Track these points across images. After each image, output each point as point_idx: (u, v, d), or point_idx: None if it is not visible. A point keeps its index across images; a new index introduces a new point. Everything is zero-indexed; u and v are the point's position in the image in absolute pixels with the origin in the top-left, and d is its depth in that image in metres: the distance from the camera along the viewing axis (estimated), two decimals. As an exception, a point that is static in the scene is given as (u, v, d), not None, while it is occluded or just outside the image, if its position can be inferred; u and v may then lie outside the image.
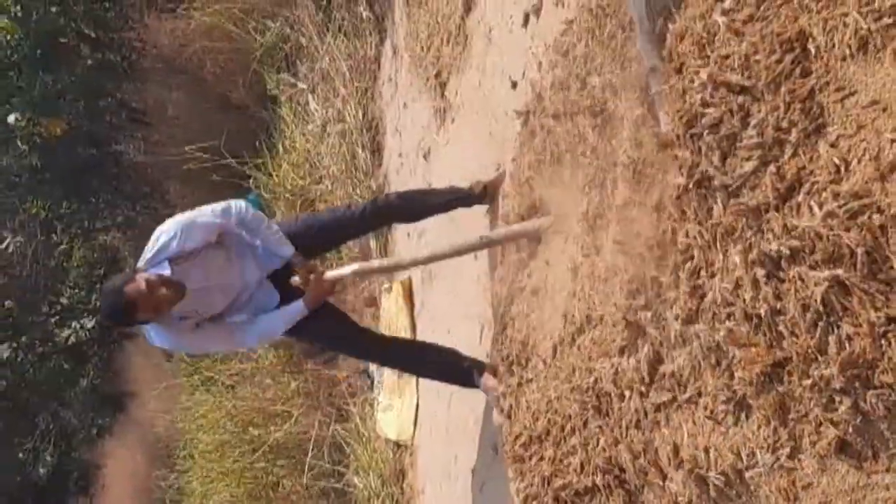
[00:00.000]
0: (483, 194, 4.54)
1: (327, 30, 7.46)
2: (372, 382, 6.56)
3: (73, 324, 14.12)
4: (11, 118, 10.44)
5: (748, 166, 2.26)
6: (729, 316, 2.38)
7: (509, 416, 3.93)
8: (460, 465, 4.94)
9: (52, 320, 14.24)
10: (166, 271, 3.84)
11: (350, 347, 4.67)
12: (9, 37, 10.16)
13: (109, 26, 10.53)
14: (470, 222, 4.75)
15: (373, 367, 6.53)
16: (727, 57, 2.41)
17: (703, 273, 2.50)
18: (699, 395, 2.57)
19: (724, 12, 2.47)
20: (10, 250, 13.26)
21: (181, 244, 3.88)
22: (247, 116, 9.25)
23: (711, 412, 2.49)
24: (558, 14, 3.92)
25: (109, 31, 10.52)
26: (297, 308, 4.10)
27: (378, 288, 6.60)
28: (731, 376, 2.41)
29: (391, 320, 6.19)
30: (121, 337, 14.29)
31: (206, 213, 3.99)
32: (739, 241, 2.32)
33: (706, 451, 2.50)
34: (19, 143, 10.70)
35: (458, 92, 5.26)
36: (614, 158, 3.10)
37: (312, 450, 6.89)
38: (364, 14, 6.99)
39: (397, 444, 6.05)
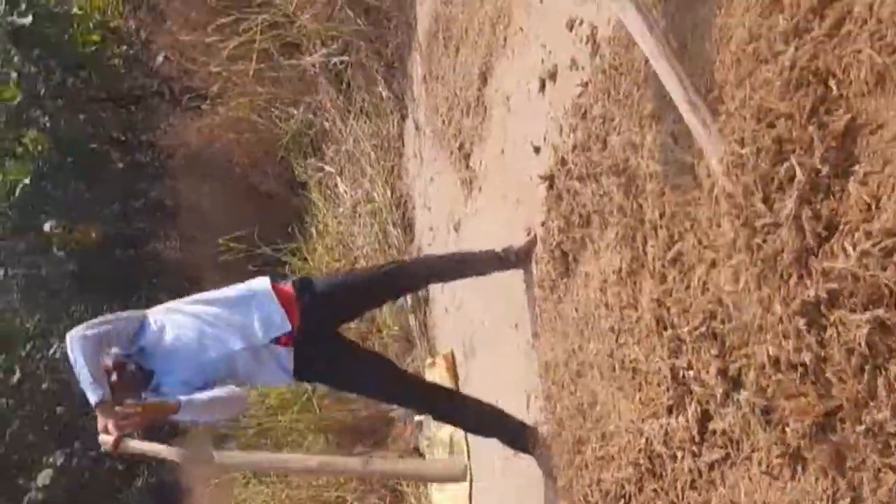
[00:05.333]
0: (516, 260, 4.51)
1: (349, 112, 7.54)
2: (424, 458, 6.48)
3: (125, 425, 14.08)
4: (47, 226, 10.58)
5: (788, 208, 2.20)
6: (775, 368, 2.32)
7: (564, 490, 3.86)
8: (518, 540, 4.84)
9: (104, 423, 14.21)
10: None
11: (393, 395, 4.62)
12: (39, 148, 10.35)
13: (137, 128, 10.71)
14: (510, 291, 4.72)
15: (423, 445, 6.45)
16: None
17: (742, 320, 2.45)
18: (753, 450, 2.49)
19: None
20: (58, 356, 13.35)
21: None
22: (278, 203, 9.32)
23: (767, 467, 2.42)
24: (573, 77, 3.93)
25: (138, 133, 10.70)
26: None
27: (421, 363, 6.55)
28: (784, 429, 2.34)
29: (437, 396, 6.12)
30: (170, 435, 14.29)
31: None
32: (781, 289, 2.26)
33: (766, 508, 2.43)
34: (55, 251, 10.83)
35: (483, 161, 5.26)
36: (641, 215, 3.06)
37: (370, 536, 6.80)
38: (383, 94, 7.06)
39: (455, 523, 5.95)
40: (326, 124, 8.11)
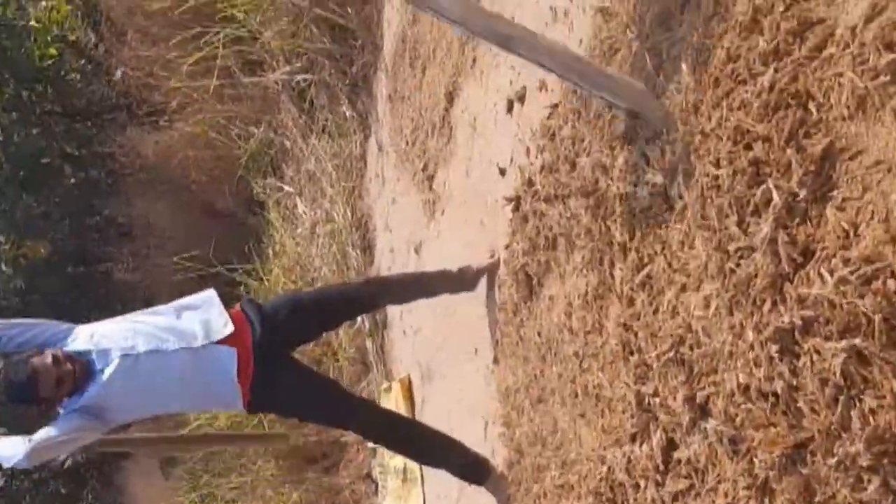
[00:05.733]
0: (471, 281, 4.44)
1: (311, 131, 7.45)
2: (376, 487, 6.36)
3: (69, 447, 13.82)
4: (-6, 241, 10.39)
5: (763, 232, 2.15)
6: (745, 396, 2.26)
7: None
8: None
9: (49, 444, 13.94)
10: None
11: (346, 422, 4.44)
12: (-11, 161, 10.17)
13: (92, 143, 10.54)
14: (470, 316, 4.64)
15: (377, 472, 6.33)
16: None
17: (712, 346, 2.39)
18: (719, 481, 2.43)
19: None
20: (1, 376, 13.08)
21: None
22: (235, 223, 9.20)
23: (733, 499, 2.35)
24: (542, 99, 3.88)
25: (92, 149, 10.52)
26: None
27: (377, 388, 6.45)
28: (752, 460, 2.28)
29: (392, 421, 6.02)
30: (117, 456, 14.04)
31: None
32: (753, 315, 2.21)
33: (731, 542, 2.36)
34: (3, 267, 10.59)
35: (447, 183, 5.20)
36: (609, 238, 3.01)
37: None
38: (347, 113, 6.99)
39: (407, 553, 5.83)
40: (287, 143, 8.02)
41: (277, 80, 7.50)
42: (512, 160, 4.25)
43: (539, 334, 3.69)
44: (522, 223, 3.82)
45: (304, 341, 4.50)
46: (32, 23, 10.00)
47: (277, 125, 8.09)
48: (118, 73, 9.48)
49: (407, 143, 5.78)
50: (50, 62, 10.26)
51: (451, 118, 5.13)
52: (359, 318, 6.59)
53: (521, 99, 4.18)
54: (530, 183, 3.77)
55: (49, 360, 3.60)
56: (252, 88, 8.00)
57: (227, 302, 7.84)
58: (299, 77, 7.31)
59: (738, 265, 2.26)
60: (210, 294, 4.04)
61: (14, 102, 10.20)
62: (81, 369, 3.67)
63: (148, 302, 11.28)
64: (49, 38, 10.15)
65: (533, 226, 3.68)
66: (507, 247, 4.06)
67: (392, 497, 5.93)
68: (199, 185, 9.28)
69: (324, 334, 5.42)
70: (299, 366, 4.26)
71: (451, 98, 5.09)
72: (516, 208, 3.94)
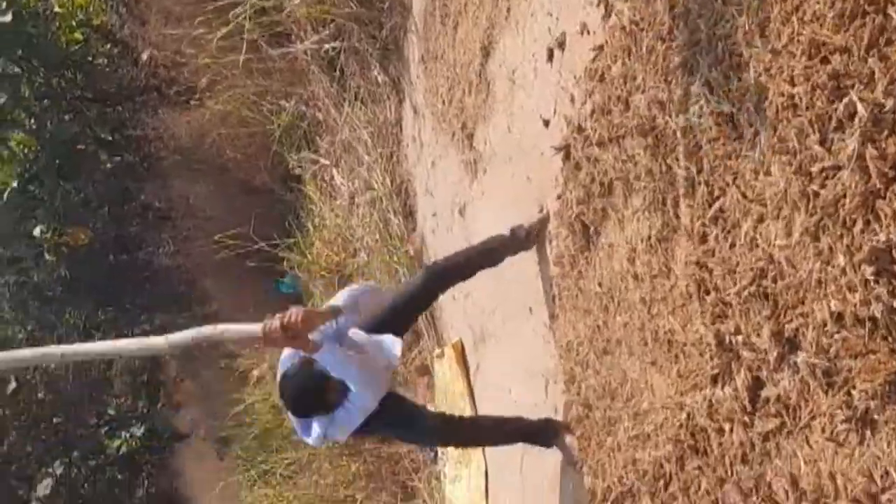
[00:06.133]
0: (527, 239, 4.33)
1: (343, 100, 7.32)
2: (435, 455, 6.29)
3: (123, 434, 13.96)
4: (37, 231, 10.33)
5: (850, 148, 2.01)
6: (839, 325, 2.13)
7: (594, 474, 3.68)
8: (541, 531, 4.65)
9: (102, 432, 14.09)
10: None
11: (414, 437, 4.62)
12: (26, 150, 10.11)
13: (125, 127, 10.47)
14: (522, 274, 4.53)
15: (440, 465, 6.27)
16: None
17: (798, 276, 2.26)
18: (812, 417, 2.30)
19: None
20: (52, 367, 13.14)
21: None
22: (273, 199, 9.11)
23: (831, 434, 2.23)
24: (585, 42, 3.73)
25: (125, 132, 10.46)
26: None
27: (429, 355, 6.36)
28: (849, 392, 2.15)
29: (446, 387, 5.93)
30: (171, 440, 14.14)
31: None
32: (843, 238, 2.08)
33: (831, 477, 2.23)
34: (46, 256, 10.58)
35: (487, 141, 5.07)
36: (672, 176, 2.87)
37: (382, 533, 6.61)
38: (379, 78, 6.86)
39: (471, 516, 5.75)
40: (319, 115, 7.91)
41: (306, 50, 7.36)
42: (556, 110, 4.12)
43: (600, 284, 3.57)
44: (574, 171, 3.69)
45: None
46: (56, 9, 9.92)
47: (309, 97, 7.98)
48: (145, 55, 9.40)
49: (443, 102, 5.64)
50: (76, 47, 10.20)
51: (487, 73, 4.99)
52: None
53: (562, 45, 4.04)
54: (580, 129, 3.63)
55: None
56: (281, 61, 7.88)
57: (276, 275, 7.85)
58: (328, 45, 7.17)
59: (822, 187, 2.13)
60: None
61: (45, 90, 10.15)
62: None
63: (189, 284, 11.30)
64: (73, 23, 10.08)
65: (586, 173, 3.55)
66: (559, 197, 3.93)
67: (453, 462, 5.86)
68: (234, 163, 9.20)
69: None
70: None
71: (486, 52, 4.95)
72: (566, 157, 3.81)
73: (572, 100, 3.84)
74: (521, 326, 4.74)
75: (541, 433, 4.23)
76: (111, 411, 14.21)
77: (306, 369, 3.66)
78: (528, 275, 4.51)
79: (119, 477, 14.39)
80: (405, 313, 4.24)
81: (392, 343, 3.91)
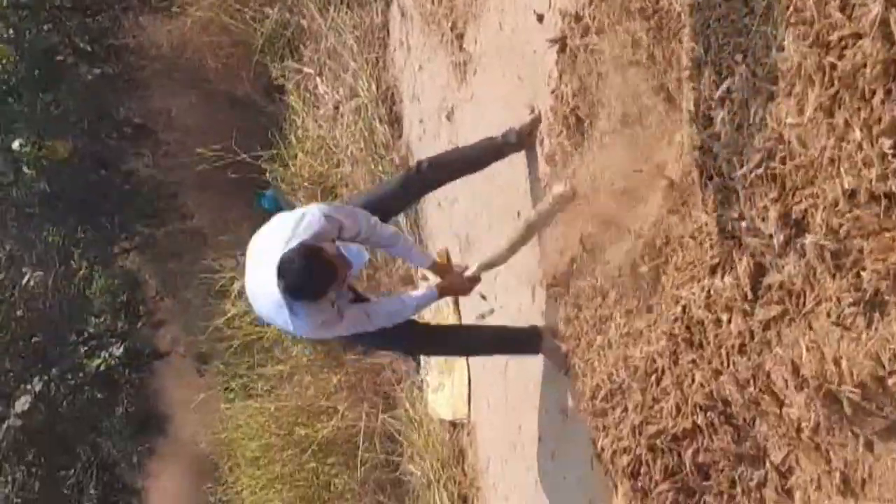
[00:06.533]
0: (518, 142, 4.21)
1: (329, 4, 7.12)
2: (418, 364, 6.23)
3: (102, 353, 13.91)
4: (16, 144, 10.10)
5: (873, 12, 1.90)
6: (851, 203, 2.04)
7: (582, 374, 3.62)
8: (525, 435, 4.60)
9: (81, 350, 14.03)
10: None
11: (396, 344, 4.51)
12: (3, 61, 9.83)
13: (105, 36, 10.19)
14: (510, 178, 4.42)
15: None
16: None
17: (808, 155, 2.17)
18: (818, 302, 2.23)
19: None
20: (31, 284, 13.02)
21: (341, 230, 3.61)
22: (255, 110, 8.90)
23: (837, 318, 2.15)
24: (585, -71, 3.58)
25: (105, 42, 10.17)
26: (432, 295, 3.94)
27: (413, 266, 6.26)
28: (858, 274, 2.07)
29: (432, 296, 5.86)
30: (151, 359, 14.10)
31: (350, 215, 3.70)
32: (861, 112, 1.97)
33: (836, 362, 2.16)
34: (26, 170, 10.36)
35: (478, 41, 4.92)
36: (677, 58, 2.76)
37: (363, 443, 6.56)
38: (367, -20, 6.67)
39: (453, 424, 5.71)
40: (304, 22, 7.68)
41: (289, -50, 7.15)
42: (550, 4, 3.98)
43: (593, 180, 3.47)
44: (571, 62, 3.57)
45: None
46: (31, -86, 9.61)
47: (293, 3, 7.76)
48: (124, -40, 9.12)
49: (432, 2, 5.47)
50: (53, -46, 9.90)
51: (479, -31, 4.83)
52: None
53: (559, -65, 3.89)
54: (577, 18, 3.51)
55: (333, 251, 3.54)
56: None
57: (258, 188, 7.71)
58: (312, -53, 6.97)
59: (840, 58, 2.02)
60: None
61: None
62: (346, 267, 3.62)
63: (171, 198, 11.14)
64: (52, -70, 9.77)
65: (583, 62, 3.44)
66: (553, 92, 3.81)
67: (436, 371, 5.81)
68: (216, 73, 8.95)
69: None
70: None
71: (479, -53, 4.79)
72: (562, 49, 3.69)
73: (569, -9, 3.71)
74: (506, 231, 4.65)
75: (527, 340, 4.17)
76: (91, 330, 14.15)
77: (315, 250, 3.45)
78: (517, 178, 4.41)
79: (98, 395, 14.39)
80: (383, 212, 4.09)
81: (357, 252, 3.85)
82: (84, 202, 11.23)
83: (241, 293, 7.81)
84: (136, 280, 14.74)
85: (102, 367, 13.94)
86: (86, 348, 13.99)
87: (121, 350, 13.88)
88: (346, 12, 6.91)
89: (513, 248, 3.97)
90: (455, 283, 4.05)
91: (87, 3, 10.23)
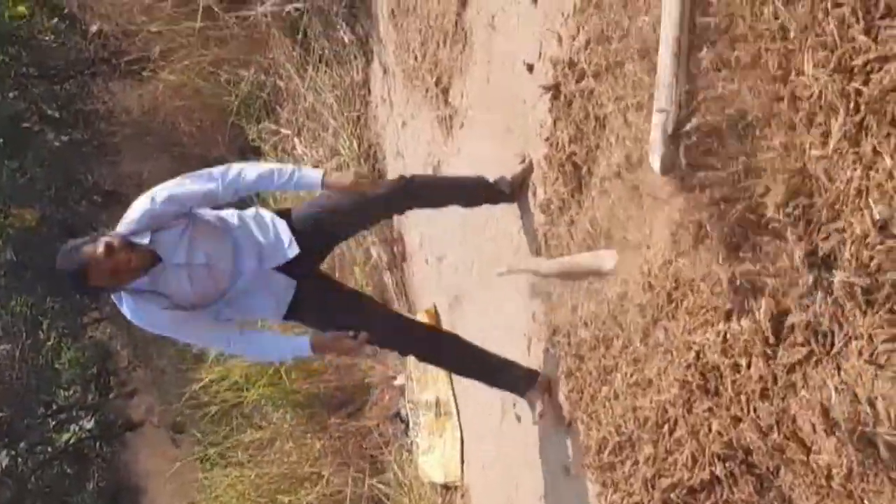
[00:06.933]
0: (511, 191, 4.14)
1: (307, 63, 7.06)
2: (407, 426, 6.08)
3: (72, 426, 13.64)
4: (-19, 212, 9.98)
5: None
6: (883, 234, 1.96)
7: (587, 428, 3.50)
8: (524, 495, 4.46)
9: (50, 424, 13.75)
10: (144, 240, 3.44)
11: (400, 344, 4.19)
12: (-31, 127, 9.73)
13: (73, 102, 10.10)
14: (500, 232, 4.34)
15: (406, 410, 6.05)
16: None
17: (835, 188, 2.09)
18: (847, 341, 2.13)
19: None
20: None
21: (162, 208, 3.46)
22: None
23: (871, 356, 2.06)
24: (576, -27, 3.55)
25: (74, 108, 10.09)
26: (302, 348, 3.68)
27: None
28: (892, 309, 1.99)
29: (419, 355, 5.73)
30: (123, 430, 13.84)
31: (197, 176, 3.56)
32: (891, 137, 1.91)
33: (871, 403, 2.06)
34: (-8, 238, 10.22)
35: (464, 94, 4.87)
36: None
37: (351, 509, 6.38)
38: (345, 38, 6.61)
39: (445, 487, 5.54)
40: (281, 83, 7.63)
41: (266, 13, 7.10)
42: (541, 54, 3.94)
43: (593, 225, 3.39)
44: (566, 108, 3.51)
45: (333, 244, 4.19)
46: (-4, -18, 9.55)
47: (269, 64, 7.70)
48: (94, 27, 9.04)
49: (415, 58, 5.44)
50: (21, 22, 9.82)
51: (464, 22, 4.79)
52: (374, 253, 6.29)
53: (548, -16, 3.86)
54: (571, 63, 3.45)
55: (101, 249, 3.34)
56: (239, 26, 7.59)
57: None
58: (290, 7, 6.92)
59: (866, 82, 1.96)
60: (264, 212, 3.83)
61: (-13, 68, 9.78)
62: (142, 259, 3.44)
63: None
64: (16, -3, 9.72)
65: (580, 107, 3.37)
66: (547, 140, 3.75)
67: (426, 432, 5.66)
68: (189, 137, 8.88)
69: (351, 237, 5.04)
70: (327, 275, 4.11)
71: (463, 0, 4.75)
72: (555, 96, 3.64)
73: (560, 40, 3.66)
74: (499, 286, 4.55)
75: (525, 379, 4.04)
76: (60, 402, 13.89)
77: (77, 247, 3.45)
78: (509, 229, 4.34)
79: (68, 470, 14.08)
80: (360, 214, 3.99)
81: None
82: (52, 271, 11.03)
83: (219, 358, 7.68)
84: (107, 350, 14.53)
85: (72, 441, 13.68)
86: (55, 422, 13.73)
87: (91, 423, 13.64)
88: (326, 71, 6.86)
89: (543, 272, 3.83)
90: (334, 344, 3.77)
91: (55, 70, 10.15)
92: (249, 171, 3.56)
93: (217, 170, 3.56)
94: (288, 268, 3.67)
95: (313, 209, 3.82)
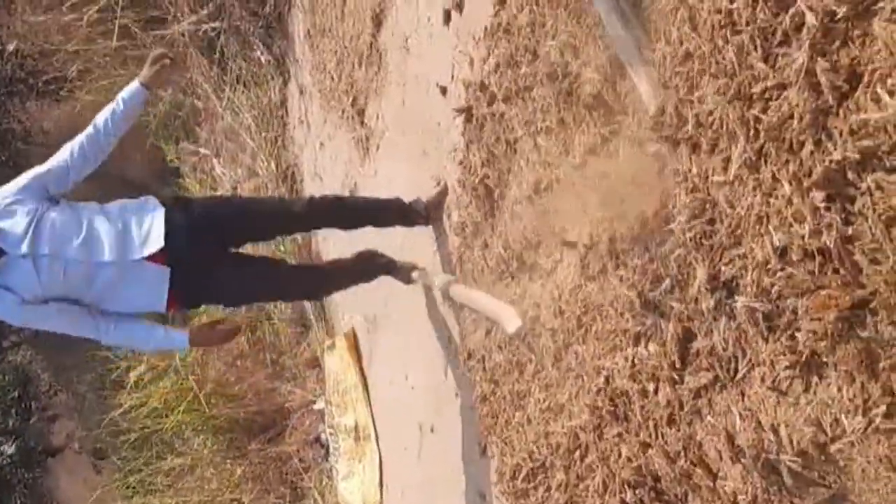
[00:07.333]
0: (426, 214, 4.11)
1: (224, 84, 6.97)
2: (327, 451, 6.00)
3: (-7, 451, 13.33)
4: None
5: (798, 62, 1.83)
6: (783, 261, 1.96)
7: (501, 453, 3.46)
8: (441, 521, 4.41)
9: (-29, 449, 13.43)
10: None
11: (281, 289, 4.19)
12: None
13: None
14: (416, 253, 4.29)
15: (326, 434, 5.96)
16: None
17: (736, 214, 2.08)
18: (750, 367, 2.12)
19: None
20: None
21: (13, 198, 3.38)
22: (149, 194, 8.67)
23: (773, 383, 2.05)
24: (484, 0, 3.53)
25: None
26: (177, 341, 3.74)
27: (319, 346, 6.07)
28: (793, 336, 1.98)
29: (338, 378, 5.66)
30: (44, 456, 13.54)
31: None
32: (789, 164, 1.90)
33: (774, 430, 2.05)
34: None
35: (380, 116, 4.83)
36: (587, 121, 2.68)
37: (271, 537, 6.28)
38: (262, 58, 6.53)
39: (365, 513, 5.48)
40: (199, 103, 7.54)
41: (183, 31, 6.99)
42: (454, 76, 3.91)
43: (505, 249, 3.36)
44: (478, 131, 3.48)
45: (229, 244, 4.04)
46: None
47: (187, 84, 7.59)
48: (11, 46, 8.84)
49: (332, 79, 5.38)
50: (-66, 43, 9.57)
51: (379, 44, 4.75)
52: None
53: (459, 6, 3.83)
54: (483, 86, 3.42)
55: None
56: (156, 46, 7.45)
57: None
58: (206, 26, 6.82)
59: (765, 110, 1.95)
60: (152, 202, 3.70)
61: None
62: None
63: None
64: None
65: (491, 131, 3.35)
66: (460, 163, 3.71)
67: (346, 458, 5.58)
68: (108, 158, 8.71)
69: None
70: (224, 259, 3.89)
71: (378, 21, 4.71)
72: (468, 119, 3.60)
73: (471, 63, 3.63)
74: (417, 307, 4.51)
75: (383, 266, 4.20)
76: (-22, 429, 13.56)
77: None
78: (425, 250, 4.29)
79: (-10, 484, 13.75)
80: (260, 217, 3.93)
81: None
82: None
83: (139, 382, 7.52)
84: (27, 374, 14.21)
85: (-9, 464, 13.36)
86: (-25, 447, 13.42)
87: (13, 448, 13.33)
88: (243, 91, 6.77)
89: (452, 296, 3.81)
90: (206, 335, 3.82)
91: (-30, 92, 9.90)
92: (84, 136, 3.60)
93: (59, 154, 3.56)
94: (173, 257, 3.56)
95: (224, 207, 3.83)
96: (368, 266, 4.23)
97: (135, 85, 3.66)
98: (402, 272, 4.24)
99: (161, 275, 3.56)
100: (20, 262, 3.40)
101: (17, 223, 3.39)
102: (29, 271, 3.42)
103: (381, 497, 5.24)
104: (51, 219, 3.43)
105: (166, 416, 7.20)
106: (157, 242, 3.52)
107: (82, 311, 3.61)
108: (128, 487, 8.51)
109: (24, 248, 3.37)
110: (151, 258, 3.51)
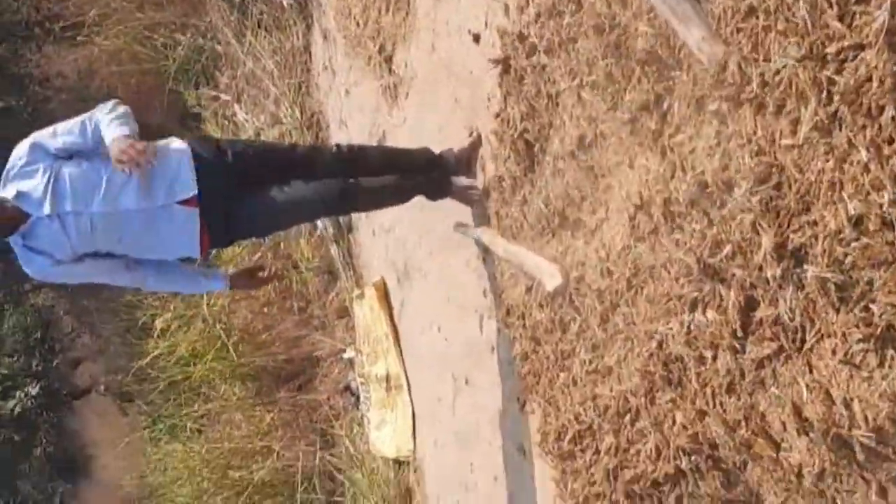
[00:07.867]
0: (457, 164, 4.00)
1: (245, 28, 6.83)
2: (357, 399, 5.97)
3: (17, 393, 13.40)
4: None
5: (878, 21, 1.72)
6: (858, 230, 1.86)
7: (545, 413, 3.40)
8: (478, 474, 4.37)
9: (-5, 390, 13.53)
10: (9, 194, 3.35)
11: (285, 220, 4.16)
12: None
13: (6, 67, 9.74)
14: (447, 205, 4.19)
15: (357, 383, 5.93)
16: None
17: (805, 180, 1.98)
18: (819, 339, 2.04)
19: None
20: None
21: (29, 158, 3.37)
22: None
23: (845, 355, 1.96)
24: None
25: (7, 72, 9.72)
26: (218, 285, 3.95)
27: (347, 296, 6.01)
28: (867, 307, 1.89)
29: (367, 329, 5.61)
30: (70, 398, 13.63)
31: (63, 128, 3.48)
32: (866, 129, 1.79)
33: (846, 404, 1.97)
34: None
35: (408, 63, 4.70)
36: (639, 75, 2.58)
37: (302, 484, 6.27)
38: (284, 2, 6.39)
39: (398, 462, 5.46)
40: (219, 47, 7.40)
41: (202, -28, 6.86)
42: (487, 23, 3.78)
43: (546, 205, 3.27)
44: (517, 84, 3.37)
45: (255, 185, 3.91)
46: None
47: (206, 28, 7.45)
48: (28, -11, 8.72)
49: (357, 24, 5.24)
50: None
51: (407, -12, 4.62)
52: (319, 224, 6.12)
53: (493, -52, 3.69)
54: (522, 37, 3.30)
55: None
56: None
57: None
58: (226, -33, 6.69)
59: (839, 71, 1.84)
60: (175, 143, 3.65)
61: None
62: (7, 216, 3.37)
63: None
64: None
65: (532, 83, 3.23)
66: (497, 115, 3.60)
67: (377, 407, 5.55)
68: (126, 102, 8.60)
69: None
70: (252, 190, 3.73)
71: (407, -37, 4.58)
72: (505, 70, 3.48)
73: (506, 10, 3.50)
74: (449, 259, 4.44)
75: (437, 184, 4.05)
76: (3, 370, 13.64)
77: None
78: (457, 203, 4.19)
79: (15, 438, 13.87)
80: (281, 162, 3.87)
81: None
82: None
83: (165, 330, 7.51)
84: (49, 317, 14.26)
85: (18, 409, 13.45)
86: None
87: (37, 389, 13.43)
88: (265, 36, 6.63)
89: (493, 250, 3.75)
90: (246, 280, 4.08)
91: (-13, 35, 9.78)
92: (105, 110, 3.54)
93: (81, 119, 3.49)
94: (203, 199, 3.49)
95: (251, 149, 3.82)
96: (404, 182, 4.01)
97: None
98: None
99: (192, 217, 3.50)
100: (47, 224, 3.36)
101: (36, 183, 3.35)
102: (57, 231, 3.37)
103: (414, 446, 5.22)
104: (67, 174, 3.37)
105: (194, 364, 7.19)
106: (189, 187, 3.45)
107: (117, 262, 3.59)
108: (156, 432, 8.55)
109: (47, 208, 3.32)
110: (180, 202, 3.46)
